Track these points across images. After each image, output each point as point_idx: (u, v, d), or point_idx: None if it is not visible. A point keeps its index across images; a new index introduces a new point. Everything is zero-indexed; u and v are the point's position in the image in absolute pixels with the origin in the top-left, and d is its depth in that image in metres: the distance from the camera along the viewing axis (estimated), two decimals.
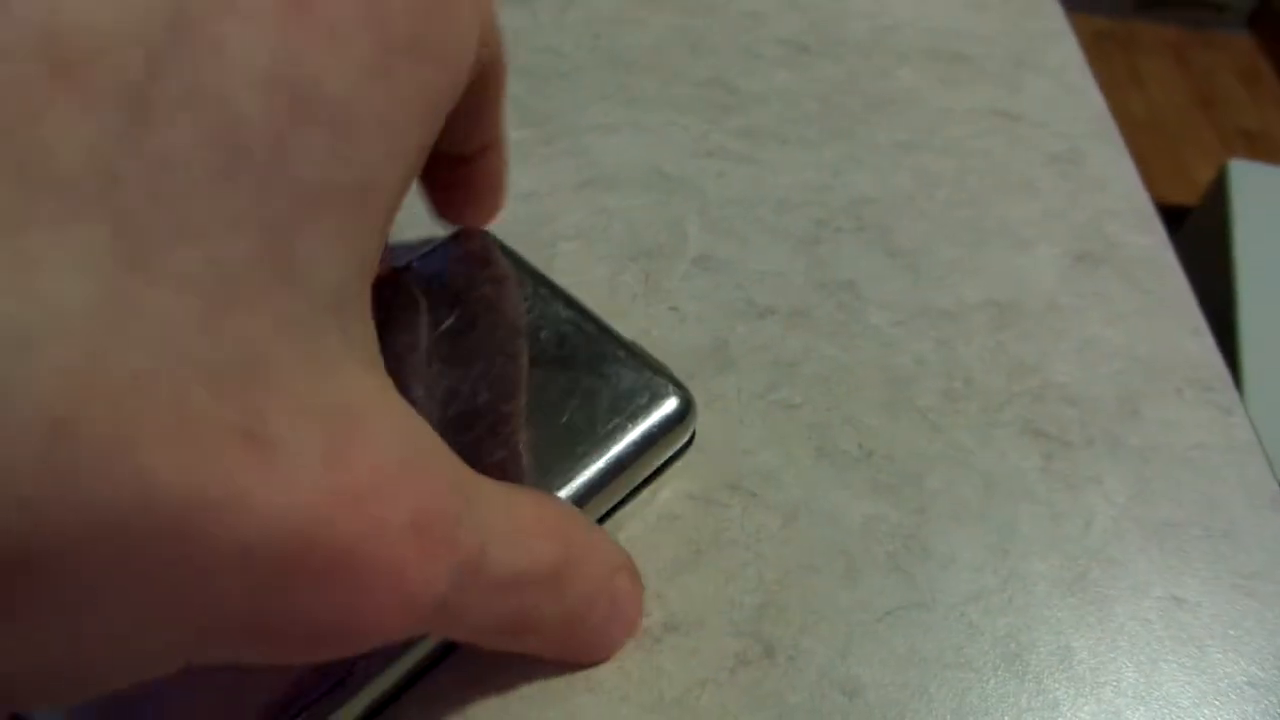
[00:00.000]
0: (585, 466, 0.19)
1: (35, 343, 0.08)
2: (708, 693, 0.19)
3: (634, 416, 0.20)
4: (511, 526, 0.14)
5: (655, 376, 0.20)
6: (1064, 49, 0.35)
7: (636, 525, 0.21)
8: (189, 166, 0.09)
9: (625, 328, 0.25)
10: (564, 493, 0.19)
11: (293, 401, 0.10)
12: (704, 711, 0.19)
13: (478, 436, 0.19)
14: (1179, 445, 0.23)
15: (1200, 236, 1.08)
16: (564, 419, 0.19)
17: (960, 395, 0.24)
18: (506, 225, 0.28)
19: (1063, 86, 0.33)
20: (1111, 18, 1.82)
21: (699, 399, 0.24)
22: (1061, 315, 0.26)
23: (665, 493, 0.22)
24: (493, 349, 0.20)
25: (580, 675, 0.19)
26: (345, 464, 0.11)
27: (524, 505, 0.15)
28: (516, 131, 0.30)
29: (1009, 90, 0.33)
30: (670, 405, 0.20)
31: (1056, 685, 0.19)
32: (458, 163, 0.20)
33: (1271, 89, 1.76)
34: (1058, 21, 0.36)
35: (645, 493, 0.21)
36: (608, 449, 0.19)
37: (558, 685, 0.19)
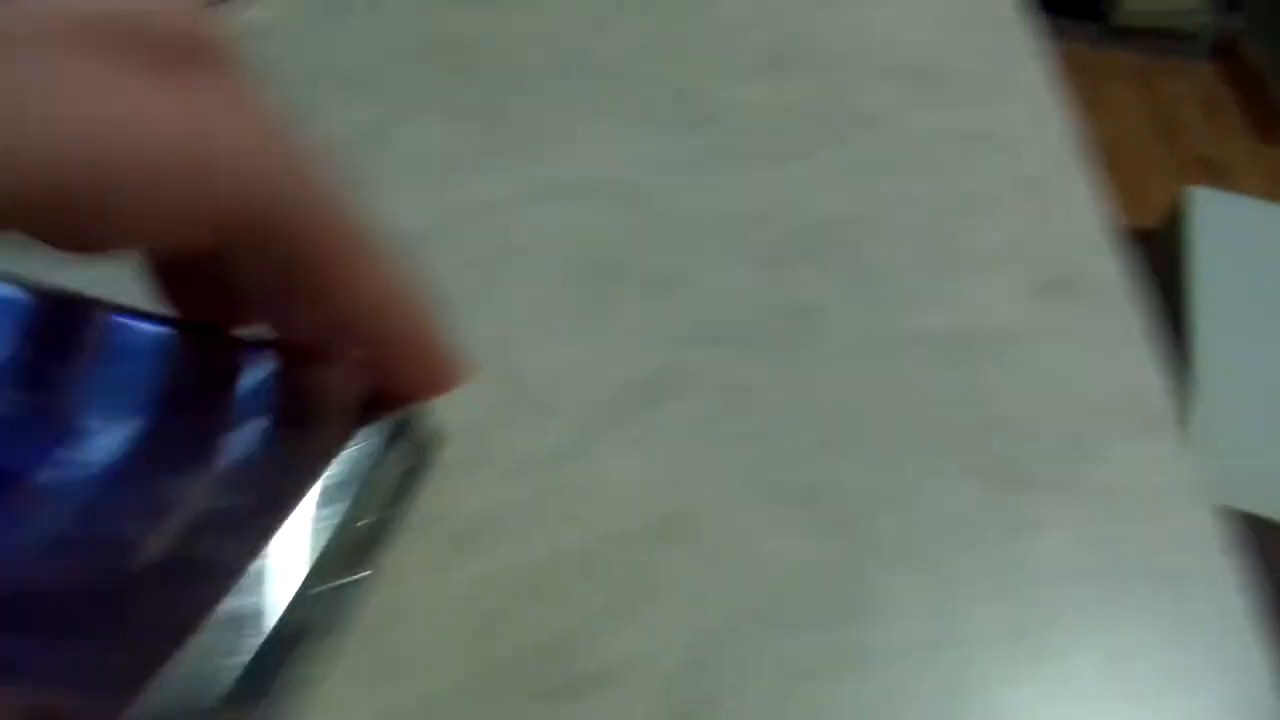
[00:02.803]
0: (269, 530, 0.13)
1: None
2: None
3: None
4: None
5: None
6: (1036, 72, 0.34)
7: (555, 569, 0.20)
8: None
9: (567, 347, 0.24)
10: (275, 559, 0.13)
11: None
12: None
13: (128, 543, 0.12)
14: (1134, 487, 0.23)
15: (1157, 259, 1.09)
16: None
17: (913, 430, 0.23)
18: (458, 237, 0.26)
19: (1034, 111, 0.33)
20: (1076, 45, 1.84)
21: (638, 429, 0.23)
22: (1020, 347, 0.25)
23: (576, 536, 0.21)
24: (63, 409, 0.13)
25: None
26: None
27: None
28: (473, 138, 0.29)
29: (981, 111, 0.32)
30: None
31: None
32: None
33: (1231, 118, 1.79)
34: (1031, 44, 0.36)
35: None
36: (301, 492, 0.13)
37: None
